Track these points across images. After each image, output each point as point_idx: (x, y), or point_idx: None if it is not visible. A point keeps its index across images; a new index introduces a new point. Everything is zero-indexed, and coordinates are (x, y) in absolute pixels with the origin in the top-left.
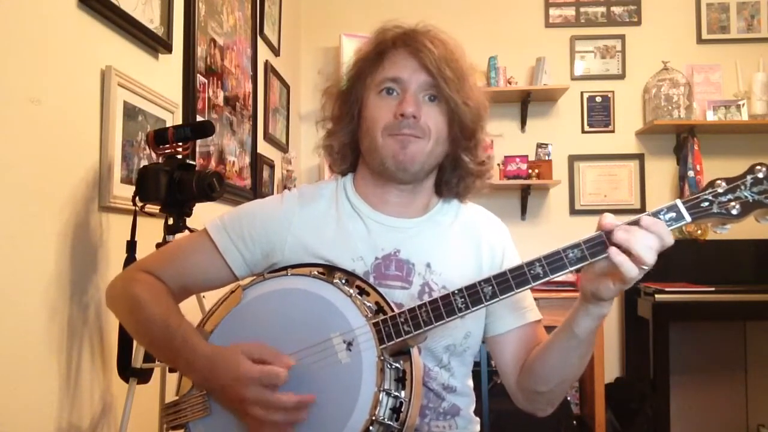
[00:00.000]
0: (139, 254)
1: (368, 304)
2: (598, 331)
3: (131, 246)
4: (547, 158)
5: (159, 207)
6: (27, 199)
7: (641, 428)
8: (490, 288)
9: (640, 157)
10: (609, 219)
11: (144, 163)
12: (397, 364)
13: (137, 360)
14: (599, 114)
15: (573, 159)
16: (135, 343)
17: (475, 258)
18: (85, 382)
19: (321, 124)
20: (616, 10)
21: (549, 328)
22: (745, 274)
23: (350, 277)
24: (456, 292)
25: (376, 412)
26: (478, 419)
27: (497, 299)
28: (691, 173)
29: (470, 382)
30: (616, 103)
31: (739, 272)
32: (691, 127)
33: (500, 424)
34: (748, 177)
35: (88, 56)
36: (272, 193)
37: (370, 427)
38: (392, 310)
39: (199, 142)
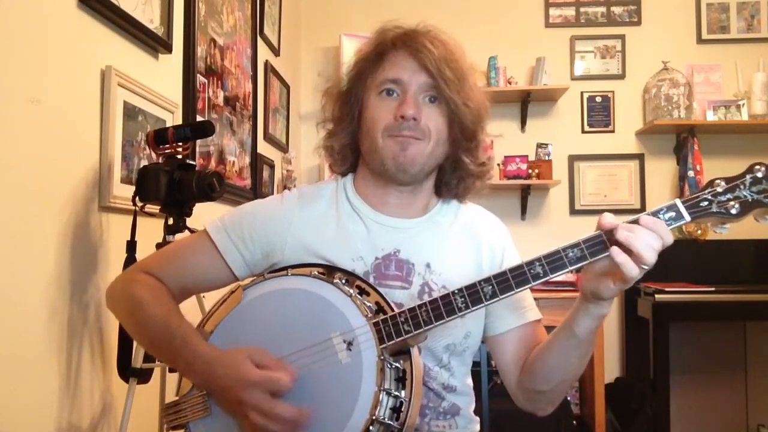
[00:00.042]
0: (139, 254)
1: (368, 304)
2: (598, 331)
3: (131, 246)
4: (547, 158)
5: (159, 207)
6: (27, 199)
7: (641, 428)
8: (490, 287)
9: (640, 157)
10: (608, 219)
11: (144, 163)
12: (398, 364)
13: (137, 360)
14: (599, 114)
15: (573, 159)
16: (135, 343)
17: (474, 258)
18: (85, 382)
19: (321, 125)
20: (616, 10)
21: (549, 328)
22: (745, 274)
23: (350, 277)
24: (456, 291)
25: (377, 412)
26: (477, 419)
27: (497, 299)
28: (691, 173)
29: (470, 382)
30: (616, 103)
31: (739, 272)
32: (691, 127)
33: (500, 424)
34: (748, 176)
35: (88, 56)
36: (272, 193)
37: (371, 427)
38: (392, 310)
39: (199, 142)
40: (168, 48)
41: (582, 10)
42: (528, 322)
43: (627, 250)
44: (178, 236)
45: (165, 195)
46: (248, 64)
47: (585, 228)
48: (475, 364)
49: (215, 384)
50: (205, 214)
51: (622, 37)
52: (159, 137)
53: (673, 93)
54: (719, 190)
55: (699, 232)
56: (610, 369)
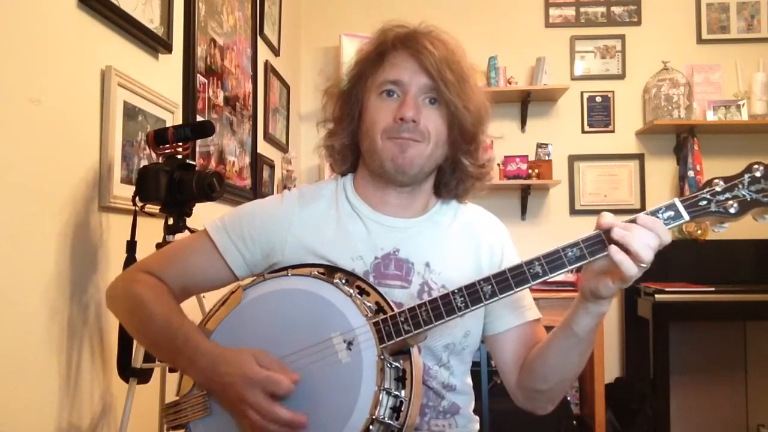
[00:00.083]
0: (139, 254)
1: (368, 303)
2: (598, 330)
3: (131, 246)
4: (547, 158)
5: (159, 207)
6: (27, 199)
7: (641, 428)
8: (490, 287)
9: (640, 157)
10: (607, 218)
11: (144, 163)
12: (397, 364)
13: (137, 360)
14: (599, 114)
15: (573, 159)
16: (135, 343)
17: (474, 258)
18: (85, 382)
19: (322, 125)
20: (616, 10)
21: (549, 328)
22: (745, 274)
23: (350, 277)
24: (455, 291)
25: (377, 412)
26: (477, 418)
27: (496, 298)
28: (691, 173)
29: (469, 381)
30: (616, 103)
31: (739, 272)
32: (691, 127)
33: (500, 424)
34: (746, 176)
35: (88, 56)
36: (272, 193)
37: (371, 427)
38: (392, 310)
39: (199, 142)
40: (168, 48)
41: (582, 10)
42: (527, 322)
43: (625, 249)
44: (178, 236)
45: (165, 195)
46: (248, 64)
47: (585, 228)
48: (475, 364)
49: (217, 381)
50: (205, 214)
51: (622, 37)
52: (159, 137)
53: (673, 93)
54: (718, 189)
55: (699, 232)
56: (610, 369)
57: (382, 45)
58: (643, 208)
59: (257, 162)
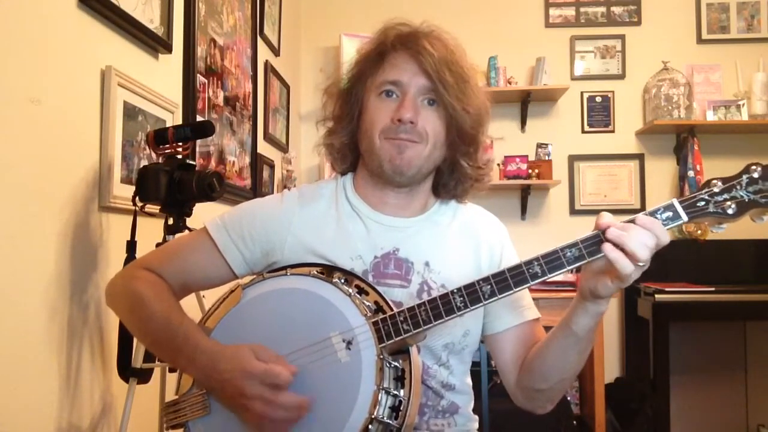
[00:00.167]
0: (139, 254)
1: (367, 303)
2: (598, 330)
3: (131, 246)
4: (547, 158)
5: (159, 207)
6: (27, 199)
7: (641, 428)
8: (489, 287)
9: (640, 157)
10: (606, 218)
11: (144, 163)
12: (396, 363)
13: (137, 360)
14: (599, 114)
15: (573, 159)
16: (135, 342)
17: (473, 257)
18: (85, 382)
19: (322, 123)
20: (616, 10)
21: (548, 328)
22: (745, 274)
23: (349, 276)
24: (455, 291)
25: (376, 411)
26: (476, 417)
27: (496, 298)
28: (691, 173)
29: (469, 380)
30: (616, 103)
31: (739, 272)
32: (691, 127)
33: (500, 424)
34: (744, 176)
35: (88, 56)
36: (272, 193)
37: (370, 426)
38: (391, 309)
39: (199, 142)
40: (168, 48)
41: (582, 10)
42: (526, 321)
43: (621, 249)
44: (178, 236)
45: (165, 195)
46: (248, 64)
47: (585, 228)
48: (475, 364)
49: (217, 378)
50: (205, 214)
51: (622, 37)
52: (159, 137)
53: (673, 93)
54: (716, 190)
55: (699, 232)
56: (610, 369)
57: (382, 45)
58: (643, 208)
59: (257, 162)
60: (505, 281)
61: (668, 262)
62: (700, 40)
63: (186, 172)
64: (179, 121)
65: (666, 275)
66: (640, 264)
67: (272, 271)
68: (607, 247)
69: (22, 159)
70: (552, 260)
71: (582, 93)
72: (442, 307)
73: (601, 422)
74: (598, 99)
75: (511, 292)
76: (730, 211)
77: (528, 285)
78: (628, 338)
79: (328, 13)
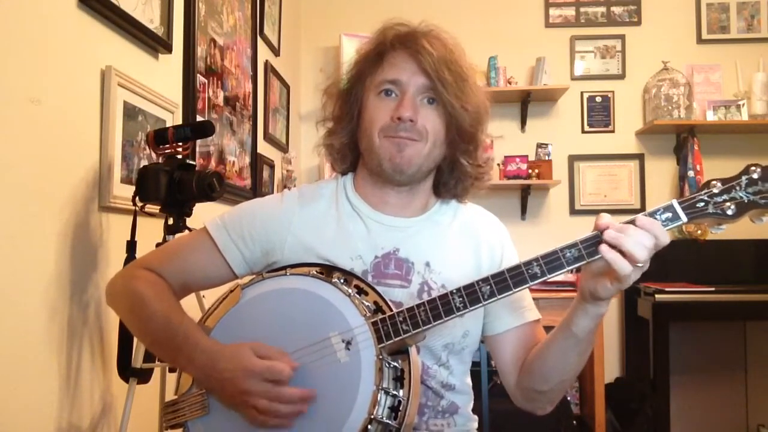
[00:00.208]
0: (139, 254)
1: (367, 303)
2: (598, 330)
3: (131, 246)
4: (547, 158)
5: (159, 207)
6: (27, 199)
7: (641, 428)
8: (488, 287)
9: (640, 157)
10: (605, 219)
11: (144, 163)
12: (396, 363)
13: (137, 360)
14: (599, 114)
15: (573, 159)
16: (135, 343)
17: (474, 257)
18: (85, 382)
19: (321, 124)
20: (616, 10)
21: (548, 328)
22: (745, 274)
23: (348, 276)
24: (454, 291)
25: (375, 411)
26: (476, 417)
27: (495, 298)
28: (691, 173)
29: (469, 380)
30: (616, 103)
31: (739, 272)
32: (691, 127)
33: (500, 424)
34: (743, 177)
35: (88, 56)
36: (272, 193)
37: (369, 426)
38: (390, 310)
39: (199, 142)
40: (168, 48)
41: (582, 10)
42: (527, 322)
43: (619, 250)
44: (178, 236)
45: (165, 195)
46: (248, 64)
47: (585, 228)
48: (475, 364)
49: (217, 377)
50: (205, 214)
51: (622, 37)
52: (159, 137)
53: (673, 93)
54: (715, 191)
55: (699, 232)
56: (610, 369)
57: (381, 45)
58: (643, 208)
59: (257, 162)
60: (504, 282)
61: (668, 262)
62: (700, 40)
63: (186, 172)
64: (179, 121)
65: (666, 275)
66: (639, 265)
67: (272, 271)
68: (604, 248)
69: (22, 159)
70: (551, 261)
71: (582, 93)
72: (442, 307)
73: (601, 422)
74: (598, 99)
75: (511, 292)
76: (729, 212)
77: (527, 286)
78: (628, 338)
79: (328, 13)
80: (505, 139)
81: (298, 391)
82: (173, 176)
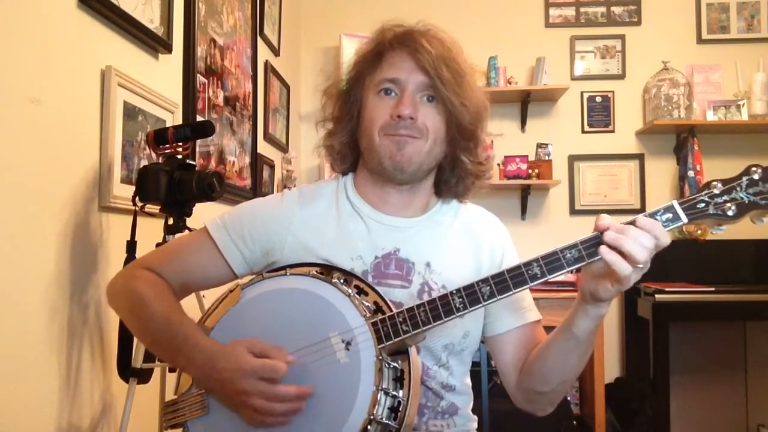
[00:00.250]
0: (139, 254)
1: (367, 303)
2: (598, 330)
3: (131, 246)
4: (547, 158)
5: (159, 207)
6: (27, 199)
7: (641, 428)
8: (488, 288)
9: (640, 157)
10: (605, 220)
11: (144, 163)
12: (396, 364)
13: (137, 360)
14: (599, 114)
15: (573, 159)
16: (135, 343)
17: (474, 258)
18: (85, 382)
19: (321, 125)
20: (616, 10)
21: (549, 329)
22: (745, 274)
23: (348, 276)
24: (454, 292)
25: (375, 412)
26: (475, 417)
27: (495, 299)
28: (691, 173)
29: (468, 381)
30: (616, 103)
31: (739, 272)
32: (691, 127)
33: (500, 424)
34: (744, 178)
35: (88, 56)
36: (272, 193)
37: (368, 427)
38: (390, 310)
39: (199, 142)
40: (168, 48)
41: (582, 10)
42: (527, 323)
43: (618, 251)
44: (178, 236)
45: (165, 195)
46: (248, 64)
47: (585, 228)
48: (475, 364)
49: (216, 377)
50: (205, 214)
51: (622, 37)
52: (159, 137)
53: (673, 93)
54: (716, 191)
55: (699, 232)
56: (610, 369)
57: (379, 45)
58: (643, 208)
59: (257, 162)
60: (504, 282)
61: (668, 262)
62: (700, 40)
63: (186, 172)
64: (179, 121)
65: (666, 275)
66: (639, 266)
67: (271, 271)
68: (603, 249)
69: (22, 159)
70: (551, 261)
71: (582, 93)
72: (442, 308)
73: (601, 422)
74: (598, 99)
75: (511, 293)
76: (730, 213)
77: (528, 286)
78: (628, 338)
79: (328, 13)
80: (505, 139)
81: (294, 388)
82: (173, 176)
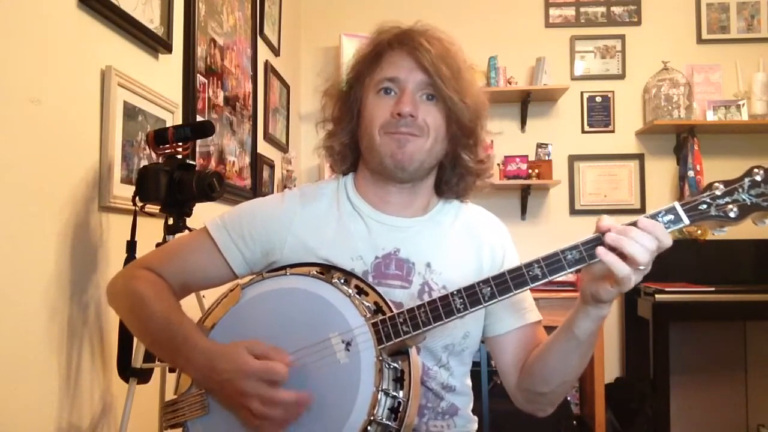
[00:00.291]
0: (139, 254)
1: (367, 303)
2: (598, 331)
3: (131, 246)
4: (547, 158)
5: (159, 207)
6: (27, 199)
7: (641, 428)
8: (489, 289)
9: (640, 157)
10: (606, 221)
11: (144, 163)
12: (396, 364)
13: (137, 360)
14: (599, 114)
15: (573, 159)
16: (135, 342)
17: (475, 258)
18: (85, 382)
19: (321, 126)
20: (616, 10)
21: (549, 329)
22: (745, 274)
23: (348, 276)
24: (455, 293)
25: (375, 412)
26: (475, 418)
27: (495, 300)
28: (691, 173)
29: (469, 382)
30: (616, 103)
31: (739, 272)
32: (691, 127)
33: (500, 424)
34: (746, 180)
35: (88, 56)
36: (272, 193)
37: (369, 427)
38: (391, 311)
39: (199, 142)
40: (168, 48)
41: (582, 10)
42: (528, 324)
43: (619, 253)
44: (178, 236)
45: (165, 195)
46: (248, 64)
47: (585, 228)
48: (475, 365)
49: (215, 378)
50: (205, 214)
51: (622, 37)
52: (159, 137)
53: (673, 93)
54: (718, 193)
55: (699, 232)
56: (610, 369)
57: (379, 45)
58: (643, 208)
59: (257, 162)
60: (505, 283)
61: (668, 262)
62: (700, 40)
63: (186, 172)
64: (179, 121)
65: (666, 275)
66: (641, 268)
67: (271, 271)
68: (601, 251)
69: (22, 159)
70: (552, 262)
71: (582, 93)
72: (442, 308)
73: (601, 422)
74: (598, 99)
75: (511, 294)
76: (732, 215)
77: (528, 287)
78: (628, 338)
79: (328, 14)
80: (505, 139)
81: (293, 395)
82: (173, 176)
